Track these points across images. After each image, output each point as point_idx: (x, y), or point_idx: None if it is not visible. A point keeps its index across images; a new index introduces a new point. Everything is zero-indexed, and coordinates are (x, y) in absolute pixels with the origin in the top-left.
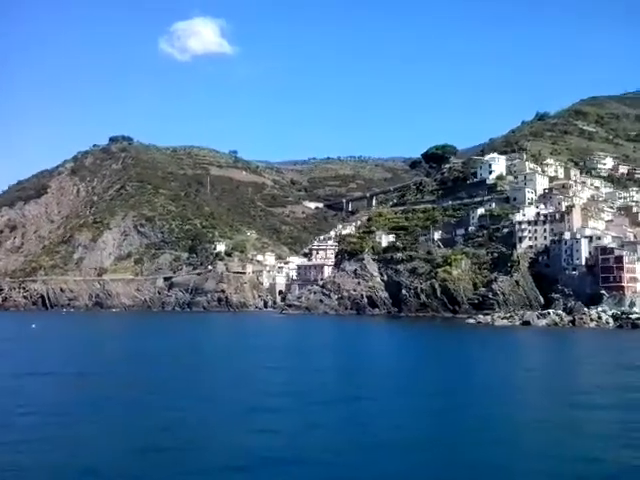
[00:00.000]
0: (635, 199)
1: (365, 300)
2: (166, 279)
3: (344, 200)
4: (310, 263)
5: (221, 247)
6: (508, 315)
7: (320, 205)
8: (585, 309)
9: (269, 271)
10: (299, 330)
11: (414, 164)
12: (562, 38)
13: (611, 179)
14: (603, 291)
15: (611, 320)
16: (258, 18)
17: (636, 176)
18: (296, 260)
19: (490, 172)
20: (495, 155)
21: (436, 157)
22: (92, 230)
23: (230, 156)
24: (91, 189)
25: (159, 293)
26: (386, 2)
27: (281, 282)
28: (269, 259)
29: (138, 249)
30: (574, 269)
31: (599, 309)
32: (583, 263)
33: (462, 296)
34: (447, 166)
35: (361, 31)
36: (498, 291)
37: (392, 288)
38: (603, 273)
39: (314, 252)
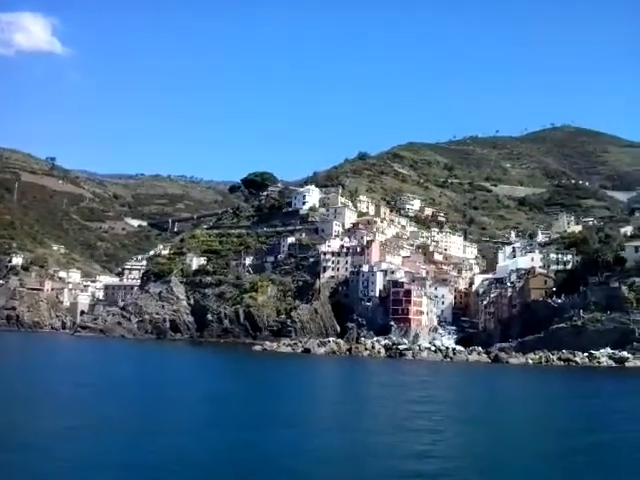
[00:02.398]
0: (436, 239)
1: (167, 324)
2: None
3: (170, 220)
4: (119, 283)
5: (18, 260)
6: (293, 342)
7: (144, 223)
8: (363, 339)
9: (72, 289)
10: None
11: (233, 189)
12: (387, 85)
13: (417, 219)
14: (392, 322)
15: (383, 350)
16: (95, 22)
17: (439, 218)
18: (106, 279)
19: (304, 203)
20: (310, 187)
21: (255, 184)
22: None
23: (46, 163)
24: None
25: None
26: (218, 17)
27: (84, 302)
28: (74, 276)
29: None
30: (369, 300)
31: (380, 340)
32: (377, 295)
33: (264, 322)
34: (265, 194)
35: (202, 43)
36: (297, 319)
37: (198, 312)
38: (393, 305)
39: (127, 272)
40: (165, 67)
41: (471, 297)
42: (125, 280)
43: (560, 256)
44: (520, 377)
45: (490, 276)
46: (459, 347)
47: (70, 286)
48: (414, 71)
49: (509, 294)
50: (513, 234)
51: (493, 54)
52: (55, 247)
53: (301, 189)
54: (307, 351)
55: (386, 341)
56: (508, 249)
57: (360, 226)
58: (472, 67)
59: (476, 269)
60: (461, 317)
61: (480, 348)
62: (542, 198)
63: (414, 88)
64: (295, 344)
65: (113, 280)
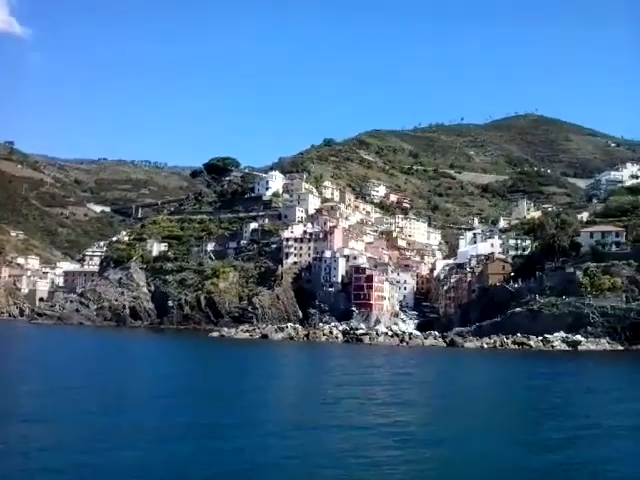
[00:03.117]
0: (400, 225)
1: (127, 311)
2: None
3: (134, 206)
4: (79, 269)
5: None
6: (251, 329)
7: (107, 209)
8: (321, 324)
9: (30, 276)
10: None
11: (195, 174)
12: (353, 71)
13: (382, 205)
14: (354, 308)
15: (340, 335)
16: (54, 2)
17: (404, 205)
18: (66, 266)
19: (267, 189)
20: (274, 173)
21: (217, 168)
22: None
23: (5, 147)
24: None
25: None
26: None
27: (43, 289)
28: (32, 263)
29: None
30: (331, 286)
31: (338, 325)
32: (339, 281)
33: (226, 309)
34: (227, 179)
35: (167, 25)
36: (258, 305)
37: (159, 299)
38: (355, 291)
39: (87, 258)
40: (129, 48)
41: (432, 283)
42: (86, 267)
43: (519, 242)
44: (474, 360)
45: (451, 262)
46: (416, 332)
47: (29, 273)
48: (380, 58)
49: (468, 279)
50: (476, 220)
51: (458, 41)
52: (14, 233)
53: (264, 175)
54: (265, 337)
55: (344, 326)
56: (469, 235)
57: (324, 212)
58: (437, 54)
59: (439, 255)
60: (423, 302)
61: (436, 332)
62: (505, 185)
63: (380, 75)
64: (253, 330)
65: (74, 267)
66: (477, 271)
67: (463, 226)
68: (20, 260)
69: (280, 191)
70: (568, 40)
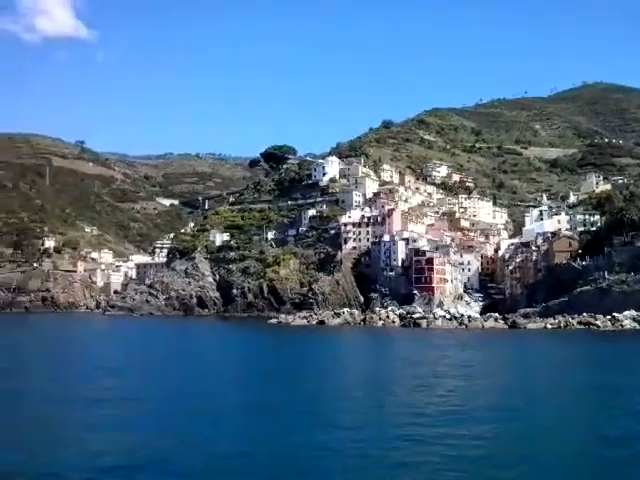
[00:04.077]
0: (464, 205)
1: (194, 300)
2: None
3: (200, 198)
4: (150, 262)
5: (50, 243)
6: (308, 315)
7: (175, 202)
8: (377, 308)
9: (104, 270)
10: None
11: (253, 163)
12: (410, 51)
13: (444, 186)
14: (415, 291)
15: (397, 319)
16: (118, 2)
17: (467, 184)
18: (138, 259)
19: (324, 174)
20: (330, 158)
21: (274, 157)
22: None
23: (76, 147)
24: None
25: None
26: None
27: (117, 281)
28: (106, 257)
29: None
30: (391, 270)
31: (395, 309)
32: (399, 264)
33: (288, 296)
34: (285, 167)
35: (226, 23)
36: (317, 291)
37: (224, 288)
38: (416, 274)
39: (157, 250)
40: (191, 45)
41: (498, 263)
42: (156, 259)
43: (587, 217)
44: (538, 343)
45: (516, 241)
46: (475, 314)
47: (102, 266)
48: (437, 35)
49: (534, 258)
50: (545, 197)
51: (517, 13)
52: (87, 229)
53: (320, 160)
54: (322, 323)
55: (401, 310)
56: (535, 212)
57: (382, 195)
58: (497, 27)
59: (504, 234)
60: (488, 284)
61: (497, 314)
62: (574, 159)
63: (438, 53)
64: (310, 316)
65: (145, 259)
66: (543, 249)
67: (530, 204)
68: (94, 255)
69: (337, 176)
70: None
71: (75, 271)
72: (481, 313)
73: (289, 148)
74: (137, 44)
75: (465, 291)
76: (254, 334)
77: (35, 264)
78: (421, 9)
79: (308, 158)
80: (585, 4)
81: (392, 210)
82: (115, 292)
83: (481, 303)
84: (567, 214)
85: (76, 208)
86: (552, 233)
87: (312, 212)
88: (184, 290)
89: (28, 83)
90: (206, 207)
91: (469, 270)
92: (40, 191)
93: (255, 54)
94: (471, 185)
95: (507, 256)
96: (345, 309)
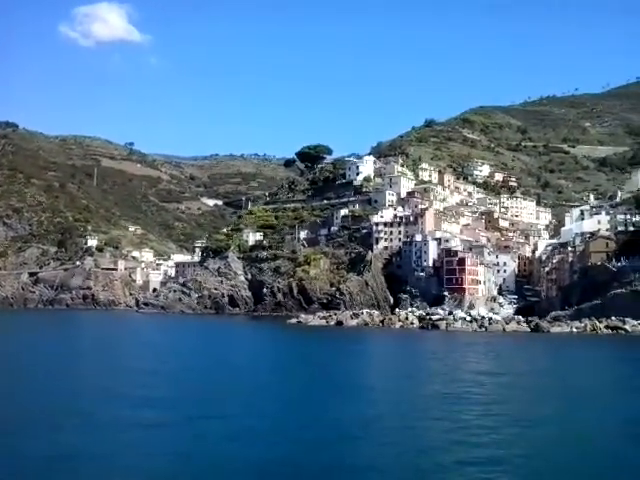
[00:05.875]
0: (505, 205)
1: (226, 299)
2: (31, 274)
3: (244, 198)
4: (189, 260)
5: (92, 242)
6: (327, 315)
7: (219, 202)
8: (397, 309)
9: (144, 268)
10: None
11: (288, 163)
12: (457, 49)
13: (486, 185)
14: (446, 292)
15: (416, 321)
16: (169, 6)
17: (510, 183)
18: (178, 257)
19: (358, 174)
20: (366, 157)
21: (309, 156)
22: None
23: (125, 148)
24: None
25: (22, 289)
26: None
27: (156, 280)
28: (147, 255)
29: (2, 242)
30: (422, 270)
31: (415, 310)
32: (430, 265)
33: (317, 296)
34: (319, 166)
35: (279, 25)
36: (345, 291)
37: (255, 287)
38: (447, 275)
39: (197, 250)
40: (237, 49)
41: (534, 264)
42: (195, 257)
43: (629, 217)
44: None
45: (554, 241)
46: (496, 316)
47: (143, 265)
48: (486, 32)
49: (570, 259)
50: (592, 197)
51: (567, 9)
52: (132, 228)
53: (355, 159)
54: (339, 324)
55: (420, 312)
56: (576, 212)
57: (416, 195)
58: (546, 23)
59: (545, 235)
60: (525, 285)
61: (520, 317)
62: (625, 157)
63: (488, 50)
64: (330, 316)
65: (185, 258)
66: (579, 250)
67: (576, 203)
68: (135, 253)
69: (372, 176)
70: None
71: (116, 269)
72: (515, 315)
73: (324, 147)
74: (188, 47)
75: (500, 293)
76: (260, 333)
77: (77, 262)
78: (470, 5)
79: (345, 157)
80: None
81: (425, 210)
82: (154, 290)
83: (515, 305)
84: (608, 214)
85: (122, 208)
86: (590, 233)
87: (344, 212)
88: (216, 289)
89: (81, 87)
90: (249, 207)
91: (505, 271)
92: (87, 191)
93: (303, 56)
94: (514, 184)
95: (544, 257)
96: (365, 310)
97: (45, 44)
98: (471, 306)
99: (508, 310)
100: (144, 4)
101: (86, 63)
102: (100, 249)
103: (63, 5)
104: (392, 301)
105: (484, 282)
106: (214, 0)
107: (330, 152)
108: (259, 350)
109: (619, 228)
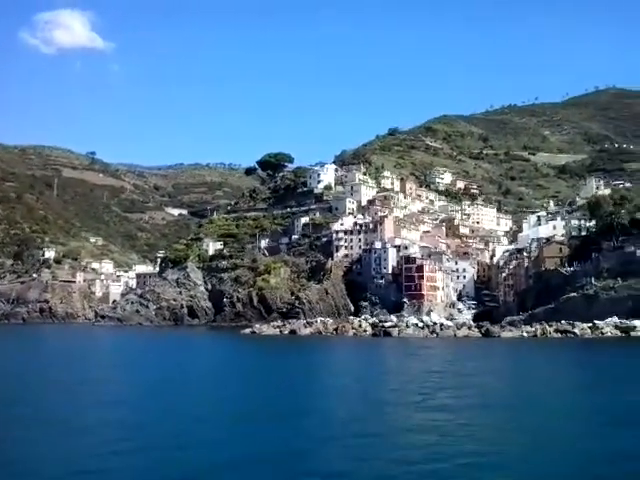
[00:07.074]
0: (467, 212)
1: (185, 310)
2: None
3: (209, 208)
4: (150, 271)
5: (50, 254)
6: (281, 324)
7: (184, 212)
8: (351, 317)
9: (103, 280)
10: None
11: (249, 171)
12: (421, 59)
13: (447, 193)
14: (405, 299)
15: (369, 328)
16: (131, 13)
17: (472, 191)
18: (141, 269)
19: (319, 182)
20: (326, 165)
21: (271, 165)
22: None
23: (87, 157)
24: None
25: None
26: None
27: (116, 292)
28: (106, 267)
29: None
30: (382, 277)
31: (368, 318)
32: (390, 272)
33: (277, 305)
34: (280, 174)
35: (242, 31)
36: (304, 299)
37: (216, 297)
38: (406, 281)
39: (159, 260)
40: (201, 57)
41: (493, 270)
42: (157, 268)
43: (582, 222)
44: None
45: (511, 247)
46: (448, 322)
47: (102, 277)
48: (448, 42)
49: (526, 264)
50: (552, 203)
51: (525, 18)
52: (93, 239)
53: (315, 168)
54: (293, 332)
55: (373, 319)
56: (533, 218)
57: (376, 202)
58: (507, 34)
59: (504, 241)
60: (483, 291)
61: (471, 322)
62: (583, 164)
63: (449, 60)
64: (283, 325)
65: (146, 269)
66: (534, 255)
67: (537, 210)
68: (95, 265)
69: (333, 184)
70: None
71: (74, 281)
72: (474, 321)
73: (285, 156)
74: (150, 55)
75: (459, 299)
76: (209, 345)
77: (34, 275)
78: (431, 15)
79: (308, 166)
80: (599, 8)
81: (384, 217)
82: (114, 302)
83: (474, 311)
84: (563, 219)
85: (83, 219)
86: (546, 239)
87: (305, 220)
88: (175, 300)
89: (42, 95)
90: (214, 217)
91: (464, 277)
92: (46, 202)
93: (267, 63)
94: (476, 192)
95: (502, 263)
96: (319, 318)
97: (4, 51)
98: (429, 312)
99: (467, 316)
100: (107, 11)
101: (47, 70)
102: (58, 261)
103: (24, 11)
104: (353, 309)
105: (443, 288)
106: (177, 8)
107: (292, 160)
108: (195, 365)
109: (573, 233)
